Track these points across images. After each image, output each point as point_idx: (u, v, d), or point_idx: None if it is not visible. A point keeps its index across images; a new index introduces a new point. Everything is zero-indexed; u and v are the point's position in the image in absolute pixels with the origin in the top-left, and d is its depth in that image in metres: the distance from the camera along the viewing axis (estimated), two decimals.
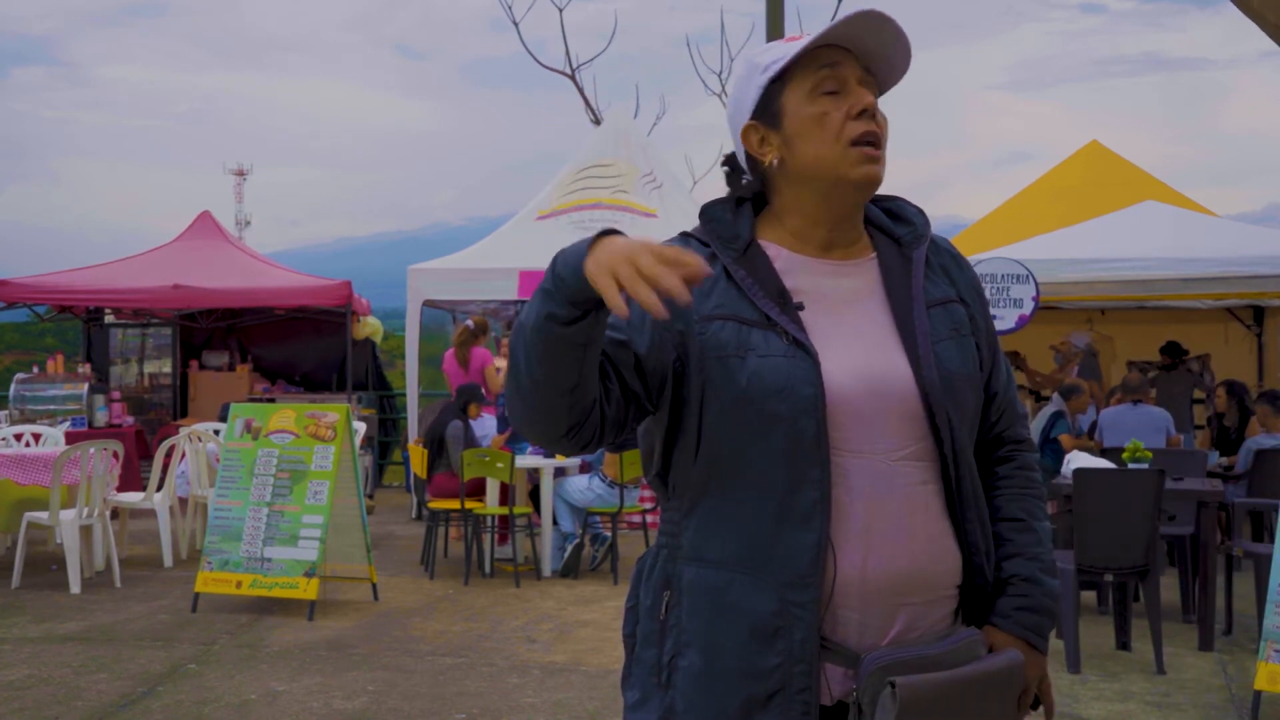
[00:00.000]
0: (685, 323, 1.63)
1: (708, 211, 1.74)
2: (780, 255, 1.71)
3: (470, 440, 8.21)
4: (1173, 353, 10.50)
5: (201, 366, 13.47)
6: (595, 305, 1.46)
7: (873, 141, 1.65)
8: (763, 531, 1.59)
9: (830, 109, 1.66)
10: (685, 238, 1.73)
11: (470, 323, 10.03)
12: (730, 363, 1.60)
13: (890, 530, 1.60)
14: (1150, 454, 6.41)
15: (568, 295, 1.45)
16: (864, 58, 1.68)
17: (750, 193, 1.77)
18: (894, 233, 1.78)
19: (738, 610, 1.60)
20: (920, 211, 1.80)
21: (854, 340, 1.66)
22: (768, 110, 1.70)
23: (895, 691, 1.50)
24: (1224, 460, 8.35)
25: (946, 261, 1.80)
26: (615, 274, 1.39)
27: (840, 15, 1.63)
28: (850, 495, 1.60)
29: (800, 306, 1.65)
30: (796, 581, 1.57)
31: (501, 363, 10.07)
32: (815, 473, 1.58)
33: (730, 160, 1.80)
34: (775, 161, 1.69)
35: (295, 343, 13.79)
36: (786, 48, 1.69)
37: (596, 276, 1.41)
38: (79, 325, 13.78)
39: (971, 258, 7.86)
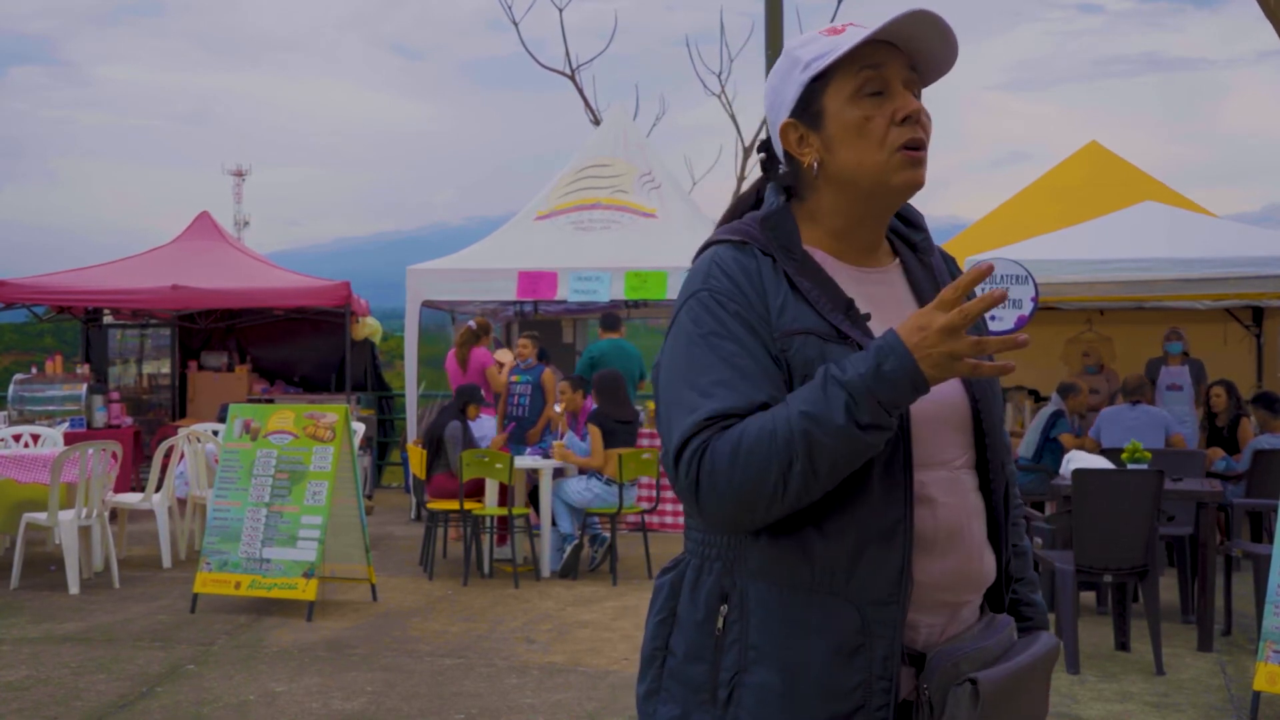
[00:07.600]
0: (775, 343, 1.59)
1: (771, 219, 1.66)
2: (827, 262, 1.66)
3: (469, 441, 8.22)
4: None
5: (200, 367, 13.45)
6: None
7: (917, 146, 1.60)
8: (845, 551, 1.54)
9: (874, 113, 1.60)
10: (743, 246, 1.64)
11: (473, 323, 10.03)
12: None
13: (956, 538, 1.60)
14: (1149, 454, 6.41)
15: (895, 406, 1.46)
16: (910, 54, 1.62)
17: (785, 185, 1.72)
18: (910, 238, 1.76)
19: (819, 630, 1.55)
20: (921, 216, 1.78)
21: None
22: (808, 110, 1.64)
23: (977, 689, 1.50)
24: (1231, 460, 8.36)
25: (955, 269, 1.80)
26: (956, 361, 1.44)
27: (892, 14, 1.56)
28: (930, 508, 1.58)
29: (868, 317, 1.60)
30: (880, 599, 1.54)
31: (507, 356, 10.04)
32: (899, 491, 1.55)
33: (766, 147, 1.75)
34: (815, 164, 1.64)
35: (294, 343, 13.76)
36: (829, 43, 1.62)
37: (946, 373, 1.45)
38: (77, 326, 13.76)
39: (971, 258, 7.86)
